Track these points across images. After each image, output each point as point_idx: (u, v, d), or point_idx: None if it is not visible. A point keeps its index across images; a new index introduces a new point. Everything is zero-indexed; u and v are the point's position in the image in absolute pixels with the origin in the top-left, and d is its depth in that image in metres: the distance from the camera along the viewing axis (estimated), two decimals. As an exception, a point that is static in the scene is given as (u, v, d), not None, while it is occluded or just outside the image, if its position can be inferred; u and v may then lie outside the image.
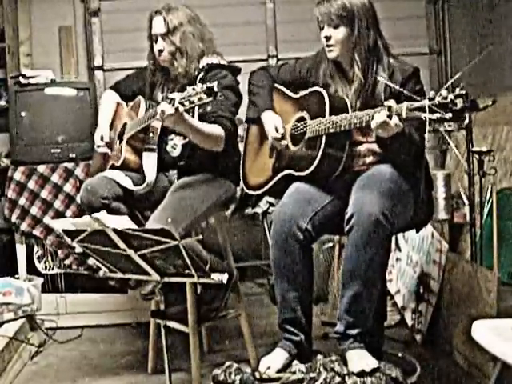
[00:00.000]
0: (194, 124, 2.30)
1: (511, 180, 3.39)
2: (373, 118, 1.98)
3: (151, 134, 2.52)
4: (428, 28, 4.48)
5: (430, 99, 1.81)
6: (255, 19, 4.35)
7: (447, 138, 1.94)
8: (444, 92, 1.79)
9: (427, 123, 1.81)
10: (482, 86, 4.06)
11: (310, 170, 2.17)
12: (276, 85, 2.43)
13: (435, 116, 1.79)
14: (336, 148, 2.16)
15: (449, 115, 1.77)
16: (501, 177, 3.37)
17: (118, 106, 2.74)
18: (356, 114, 2.08)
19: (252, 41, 4.33)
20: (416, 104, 1.86)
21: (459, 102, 1.77)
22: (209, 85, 2.08)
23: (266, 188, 2.38)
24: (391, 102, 1.93)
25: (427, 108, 1.80)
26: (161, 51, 2.53)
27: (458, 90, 1.78)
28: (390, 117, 1.92)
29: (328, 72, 2.27)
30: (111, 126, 2.70)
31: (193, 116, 2.31)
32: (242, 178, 2.50)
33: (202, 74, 2.49)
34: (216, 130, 2.40)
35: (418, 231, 2.36)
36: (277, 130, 2.31)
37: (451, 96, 1.78)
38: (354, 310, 2.10)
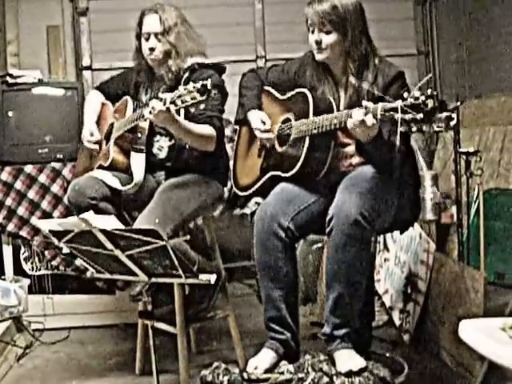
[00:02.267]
0: (185, 125, 2.29)
1: (498, 180, 3.42)
2: (351, 118, 1.98)
3: (139, 134, 2.51)
4: (416, 29, 4.51)
5: (403, 100, 1.82)
6: (244, 20, 4.36)
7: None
8: (416, 93, 1.80)
9: (398, 123, 1.82)
10: (468, 87, 4.09)
11: (294, 170, 2.18)
12: (265, 87, 2.43)
13: (407, 116, 1.80)
14: (320, 149, 2.17)
15: (420, 116, 1.78)
16: (487, 177, 3.39)
17: (103, 107, 2.73)
18: (336, 114, 2.08)
19: (241, 42, 4.33)
20: (390, 105, 1.87)
21: (430, 103, 1.78)
22: (203, 83, 2.06)
23: (254, 188, 2.38)
24: (368, 103, 1.94)
25: (399, 109, 1.81)
26: (152, 49, 2.51)
27: (429, 91, 1.79)
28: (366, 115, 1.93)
29: (315, 74, 2.27)
30: (98, 126, 2.69)
31: (179, 114, 2.30)
32: (232, 179, 2.50)
33: (186, 74, 2.49)
34: (207, 130, 2.39)
35: (402, 232, 2.37)
36: (263, 123, 2.30)
37: (422, 97, 1.79)
38: (339, 311, 2.10)
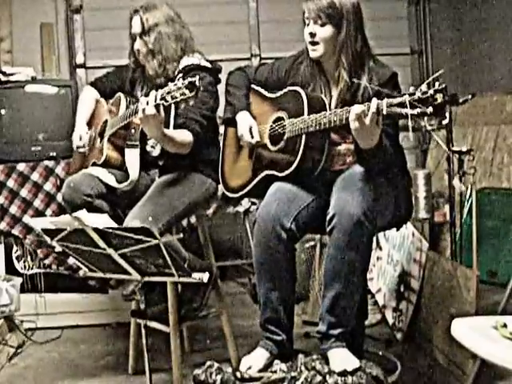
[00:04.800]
0: (168, 133, 2.28)
1: (491, 179, 3.44)
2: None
3: (133, 131, 2.50)
4: (409, 29, 4.53)
5: (411, 94, 1.81)
6: (238, 18, 4.36)
7: (433, 134, 1.93)
8: (424, 87, 1.79)
9: (409, 118, 1.80)
10: (461, 86, 4.10)
11: (291, 169, 2.16)
12: (253, 86, 2.42)
13: (416, 111, 1.79)
14: (316, 147, 2.15)
15: (430, 110, 1.77)
16: (480, 176, 3.41)
17: (97, 103, 2.72)
18: (335, 110, 2.07)
19: (235, 40, 4.33)
20: (396, 100, 1.85)
21: (439, 97, 1.77)
22: (190, 79, 2.06)
23: (247, 190, 2.36)
24: (373, 100, 1.92)
25: (408, 103, 1.80)
26: (138, 50, 2.52)
27: (437, 85, 1.79)
28: (367, 111, 1.91)
29: (308, 72, 2.26)
30: (90, 124, 2.68)
31: (169, 115, 2.28)
32: (221, 181, 2.48)
33: (180, 75, 2.47)
34: (186, 137, 2.38)
35: (398, 229, 2.37)
36: (252, 136, 2.30)
37: (431, 91, 1.78)
38: (336, 310, 2.10)
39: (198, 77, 2.06)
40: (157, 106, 2.13)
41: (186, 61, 2.50)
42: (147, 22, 2.47)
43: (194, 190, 2.48)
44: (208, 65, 2.52)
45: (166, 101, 2.10)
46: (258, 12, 4.36)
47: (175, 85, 2.08)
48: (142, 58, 2.53)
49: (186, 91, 2.06)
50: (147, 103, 2.13)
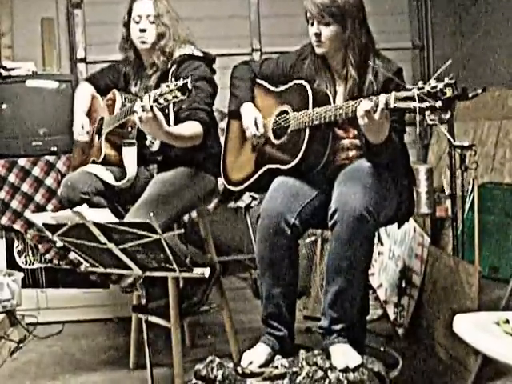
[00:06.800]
0: (173, 131, 2.27)
1: (492, 174, 3.43)
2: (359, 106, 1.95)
3: (129, 129, 2.49)
4: (411, 23, 4.51)
5: (420, 88, 1.80)
6: (239, 13, 4.35)
7: (439, 125, 1.90)
8: (433, 81, 1.78)
9: (417, 112, 1.79)
10: (463, 81, 4.09)
11: (295, 162, 2.15)
12: (258, 80, 2.41)
13: (425, 105, 1.78)
14: (319, 141, 2.15)
15: (439, 104, 1.76)
16: (482, 171, 3.40)
17: (93, 99, 2.70)
18: (341, 104, 2.06)
19: (236, 35, 4.32)
20: (405, 93, 1.84)
21: (448, 91, 1.76)
22: (182, 82, 2.03)
23: (249, 183, 2.35)
24: (380, 96, 1.91)
25: (416, 97, 1.79)
26: (143, 31, 2.49)
27: (446, 79, 1.78)
28: (376, 107, 1.90)
29: (313, 67, 2.25)
30: (89, 118, 2.67)
31: (168, 112, 2.27)
32: (222, 174, 2.47)
33: (174, 65, 2.47)
34: (194, 128, 2.36)
35: (399, 226, 2.36)
36: (257, 128, 2.29)
37: (441, 85, 1.77)
38: (339, 305, 2.09)
39: (189, 78, 2.03)
40: (151, 107, 2.12)
41: (178, 51, 2.50)
42: (160, 6, 2.48)
43: (193, 186, 2.47)
44: (200, 54, 2.51)
45: (159, 103, 2.07)
46: (258, 7, 4.35)
47: (167, 86, 2.05)
48: (145, 39, 2.49)
49: (178, 93, 2.03)
50: (142, 109, 2.10)
